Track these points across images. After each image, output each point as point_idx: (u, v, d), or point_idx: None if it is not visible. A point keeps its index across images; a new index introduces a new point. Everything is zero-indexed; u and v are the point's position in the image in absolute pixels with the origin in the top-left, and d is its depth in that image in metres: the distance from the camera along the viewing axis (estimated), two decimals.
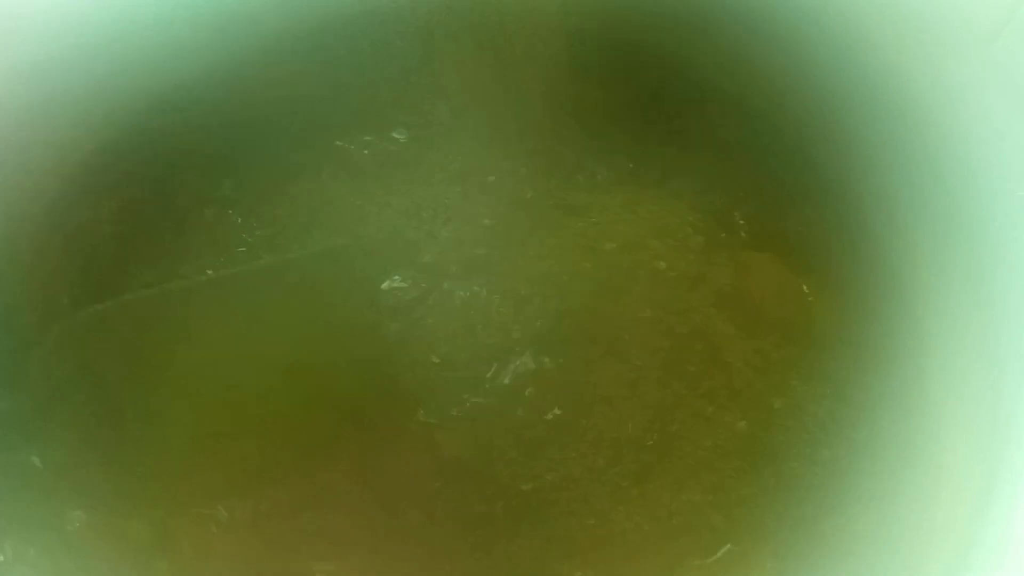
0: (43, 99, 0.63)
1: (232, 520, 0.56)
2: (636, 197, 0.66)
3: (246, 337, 0.61)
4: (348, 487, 0.56)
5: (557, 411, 0.59)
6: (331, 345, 0.61)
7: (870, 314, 0.65)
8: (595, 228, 0.64)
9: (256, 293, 0.63)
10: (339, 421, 0.59)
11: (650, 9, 0.72)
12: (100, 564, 0.55)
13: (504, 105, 0.71)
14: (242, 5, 0.71)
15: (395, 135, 0.70)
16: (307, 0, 0.73)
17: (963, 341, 0.62)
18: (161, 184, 0.66)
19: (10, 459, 0.56)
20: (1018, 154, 0.58)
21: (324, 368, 0.60)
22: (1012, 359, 0.54)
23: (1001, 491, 0.50)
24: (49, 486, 0.56)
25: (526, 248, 0.64)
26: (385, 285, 0.64)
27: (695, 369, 0.60)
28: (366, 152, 0.69)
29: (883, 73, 0.62)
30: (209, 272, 0.64)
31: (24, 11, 0.61)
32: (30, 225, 0.62)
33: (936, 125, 0.60)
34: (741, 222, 0.67)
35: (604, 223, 0.64)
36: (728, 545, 0.56)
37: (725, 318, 0.62)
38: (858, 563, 0.57)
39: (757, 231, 0.67)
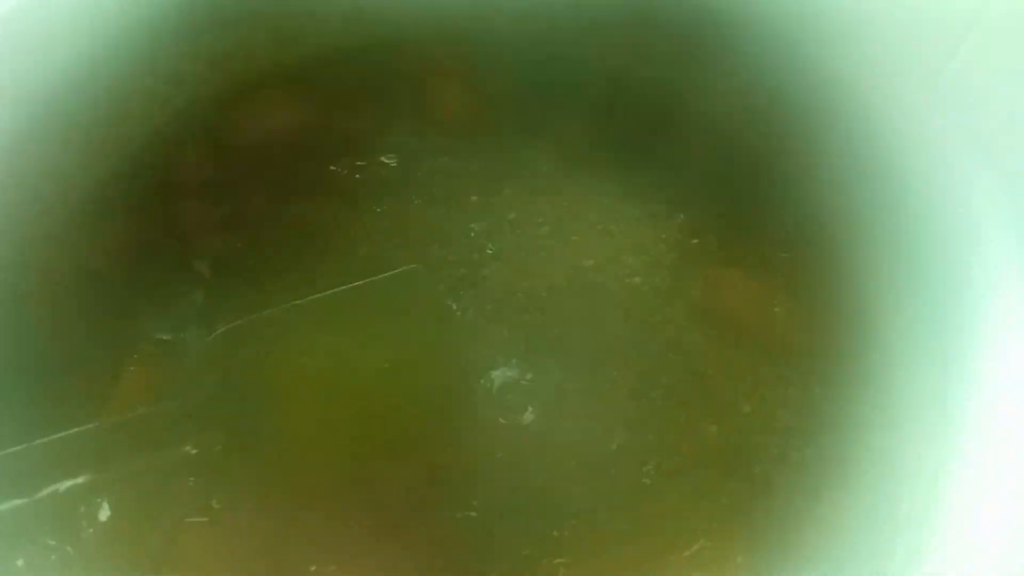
0: (44, 129, 0.66)
1: (235, 526, 0.59)
2: (612, 216, 0.69)
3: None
4: (344, 494, 0.59)
5: (539, 422, 0.62)
6: (321, 367, 0.63)
7: (833, 325, 0.69)
8: (573, 246, 0.67)
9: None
10: (333, 436, 0.61)
11: (627, 36, 0.76)
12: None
13: (486, 130, 0.74)
14: (234, 38, 0.74)
15: (385, 160, 0.74)
16: (298, 33, 0.76)
17: (918, 348, 0.65)
18: (162, 212, 0.69)
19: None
20: (970, 171, 0.61)
21: (315, 390, 0.62)
22: (958, 363, 0.58)
23: (951, 482, 0.54)
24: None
25: (508, 266, 0.67)
26: (375, 303, 0.67)
27: (669, 379, 0.64)
28: (358, 176, 0.73)
29: (844, 96, 0.66)
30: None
31: (22, 46, 0.63)
32: (40, 254, 0.65)
33: (895, 145, 0.64)
34: (712, 239, 0.71)
35: (582, 241, 0.67)
36: (701, 541, 0.60)
37: (697, 330, 0.65)
38: (825, 555, 0.60)
39: (727, 248, 0.70)
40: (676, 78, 0.76)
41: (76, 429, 0.58)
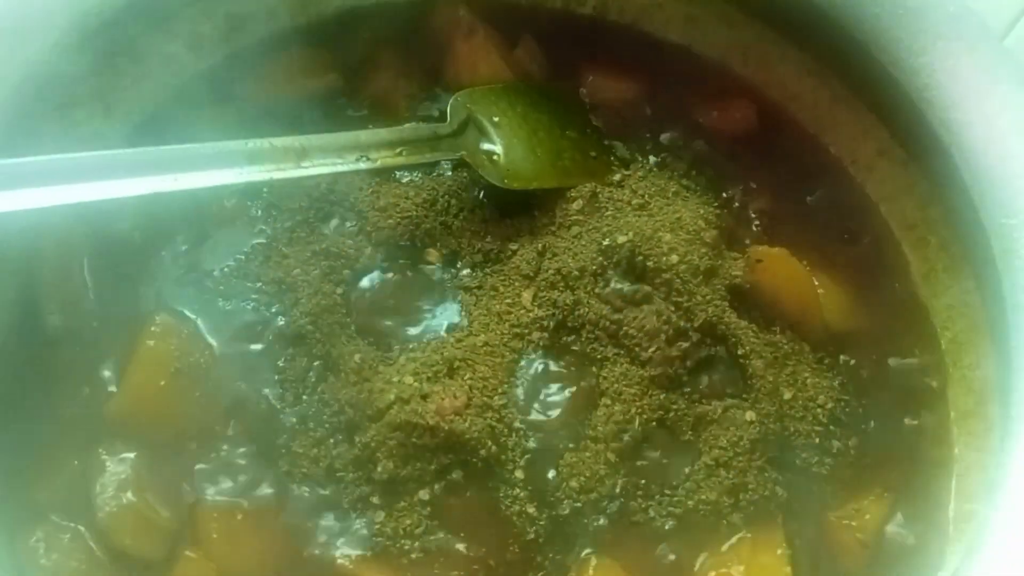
0: (57, 90, 0.63)
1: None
2: (650, 191, 0.66)
3: None
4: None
5: (569, 409, 0.60)
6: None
7: (880, 307, 0.66)
8: (608, 222, 0.64)
9: None
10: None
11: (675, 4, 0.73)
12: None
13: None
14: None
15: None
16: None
17: (974, 333, 0.62)
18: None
19: None
20: None
21: None
22: (1018, 355, 0.55)
23: (1016, 486, 0.51)
24: None
25: (537, 242, 0.64)
26: (403, 277, 0.64)
27: (706, 363, 0.61)
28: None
29: (902, 68, 0.63)
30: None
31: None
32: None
33: (951, 116, 0.60)
34: (754, 216, 0.68)
35: (617, 217, 0.64)
36: (741, 533, 0.57)
37: (737, 312, 0.62)
38: (867, 551, 0.58)
39: (769, 225, 0.68)
40: (723, 51, 0.74)
41: None
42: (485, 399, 0.58)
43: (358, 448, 0.57)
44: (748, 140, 0.71)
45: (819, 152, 0.71)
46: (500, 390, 0.59)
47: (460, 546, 0.56)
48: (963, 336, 0.63)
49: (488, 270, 0.65)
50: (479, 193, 0.67)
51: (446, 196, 0.66)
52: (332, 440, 0.58)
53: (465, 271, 0.65)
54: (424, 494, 0.57)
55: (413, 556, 0.56)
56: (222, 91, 0.70)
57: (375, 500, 0.57)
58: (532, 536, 0.56)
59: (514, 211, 0.67)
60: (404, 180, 0.68)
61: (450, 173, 0.68)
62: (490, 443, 0.57)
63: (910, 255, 0.67)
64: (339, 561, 0.55)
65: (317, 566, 0.56)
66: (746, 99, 0.72)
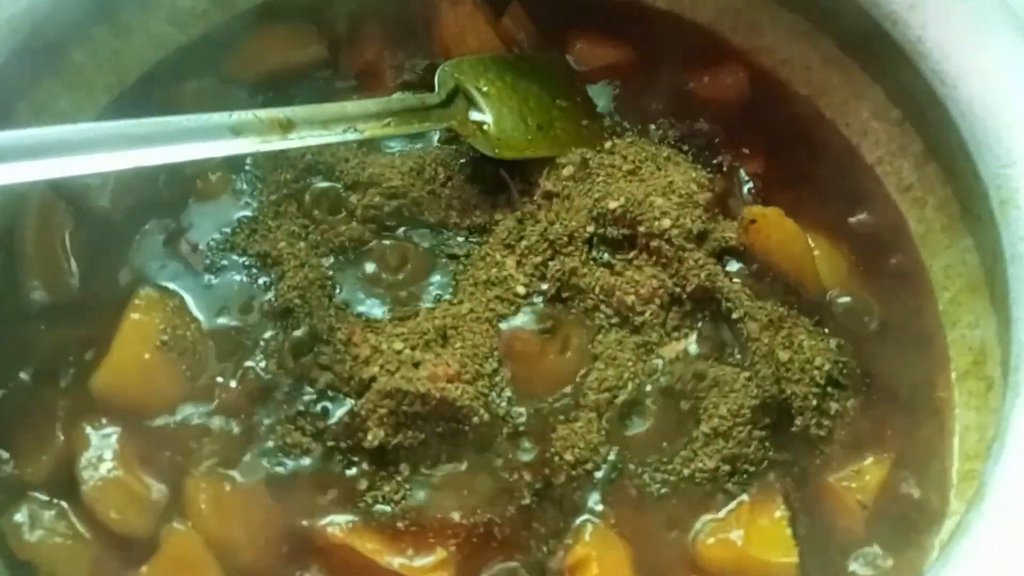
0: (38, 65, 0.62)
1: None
2: (640, 157, 0.65)
3: None
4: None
5: (563, 376, 0.59)
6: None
7: (876, 268, 0.65)
8: (599, 188, 0.63)
9: None
10: None
11: None
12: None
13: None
14: None
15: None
16: None
17: (972, 292, 0.61)
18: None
19: None
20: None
21: None
22: (1015, 320, 0.54)
23: (1017, 444, 0.50)
24: None
25: (527, 209, 0.63)
26: (391, 247, 0.63)
27: (700, 327, 0.60)
28: None
29: (894, 21, 0.62)
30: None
31: None
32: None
33: (945, 68, 0.59)
34: (747, 179, 0.67)
35: (608, 183, 0.63)
36: (740, 498, 0.57)
37: (731, 274, 0.61)
38: (866, 512, 0.57)
39: (764, 189, 0.67)
40: (712, 16, 0.72)
41: None
42: (476, 367, 0.57)
43: (348, 417, 0.56)
44: (740, 106, 0.70)
45: (812, 116, 0.70)
46: (490, 357, 0.58)
47: (454, 514, 0.55)
48: (962, 296, 0.63)
49: (476, 238, 0.64)
50: (467, 161, 0.66)
51: (433, 165, 0.65)
52: (321, 410, 0.57)
53: (453, 239, 0.64)
54: (415, 463, 0.56)
55: (404, 524, 0.55)
56: (204, 65, 0.69)
57: (366, 469, 0.56)
58: (527, 503, 0.56)
59: (503, 179, 0.66)
60: (391, 150, 0.67)
61: (437, 142, 0.67)
62: (482, 411, 0.56)
63: (907, 216, 0.66)
64: (329, 530, 0.55)
65: (307, 536, 0.55)
66: (737, 64, 0.71)
